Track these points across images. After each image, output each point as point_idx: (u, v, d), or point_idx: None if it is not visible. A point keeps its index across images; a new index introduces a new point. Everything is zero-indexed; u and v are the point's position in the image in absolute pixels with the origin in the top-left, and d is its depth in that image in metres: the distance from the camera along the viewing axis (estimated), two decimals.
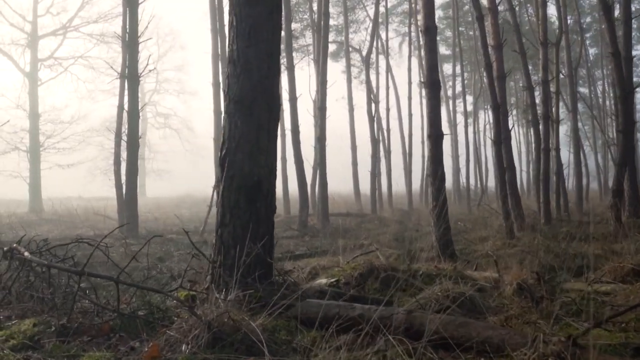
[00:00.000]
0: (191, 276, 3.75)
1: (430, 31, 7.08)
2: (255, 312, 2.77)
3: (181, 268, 6.38)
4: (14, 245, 3.26)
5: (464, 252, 7.68)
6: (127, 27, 10.31)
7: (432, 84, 7.02)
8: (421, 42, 24.81)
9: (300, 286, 3.47)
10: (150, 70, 10.31)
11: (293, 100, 11.89)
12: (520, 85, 23.58)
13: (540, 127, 12.05)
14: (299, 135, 11.92)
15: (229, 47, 3.47)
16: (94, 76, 20.56)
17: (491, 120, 26.92)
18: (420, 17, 7.28)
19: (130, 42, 10.27)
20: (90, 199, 19.08)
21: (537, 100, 13.81)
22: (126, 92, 11.61)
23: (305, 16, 20.77)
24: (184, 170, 26.97)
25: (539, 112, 12.35)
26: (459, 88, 24.71)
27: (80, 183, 19.26)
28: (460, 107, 23.34)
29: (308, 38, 21.07)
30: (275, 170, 3.53)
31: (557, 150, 13.68)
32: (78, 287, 2.63)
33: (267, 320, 2.60)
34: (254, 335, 2.38)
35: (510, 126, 10.93)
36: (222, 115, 3.48)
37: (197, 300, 2.72)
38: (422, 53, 25.16)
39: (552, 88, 13.26)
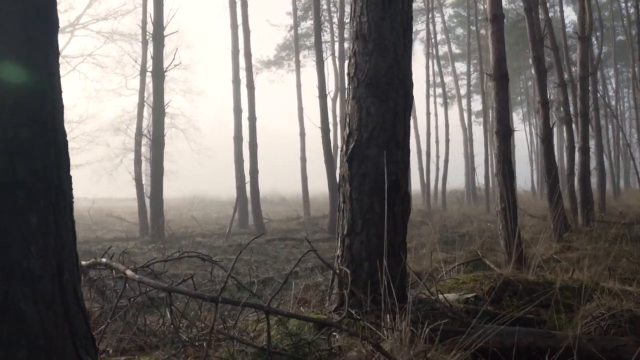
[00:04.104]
0: (299, 292, 3.17)
1: (498, 20, 6.56)
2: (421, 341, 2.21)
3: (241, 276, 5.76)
4: (103, 259, 2.65)
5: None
6: (152, 19, 9.68)
7: (501, 77, 6.51)
8: (438, 39, 24.38)
9: (436, 303, 2.91)
10: (175, 66, 9.68)
11: (323, 97, 11.31)
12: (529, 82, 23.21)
13: (579, 125, 11.64)
14: (329, 134, 11.36)
15: (354, 19, 2.91)
16: (101, 75, 19.81)
17: None
18: (487, 5, 6.74)
19: (155, 35, 9.64)
20: (97, 199, 18.36)
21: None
22: (147, 89, 10.99)
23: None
24: (189, 170, 26.22)
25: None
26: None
27: (85, 184, 18.47)
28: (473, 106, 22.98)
29: (326, 34, 20.67)
30: (409, 166, 2.97)
31: (588, 149, 13.30)
32: (215, 317, 2.05)
33: (462, 356, 2.04)
34: None
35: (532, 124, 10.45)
36: (347, 101, 2.92)
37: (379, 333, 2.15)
38: (440, 50, 24.70)
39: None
